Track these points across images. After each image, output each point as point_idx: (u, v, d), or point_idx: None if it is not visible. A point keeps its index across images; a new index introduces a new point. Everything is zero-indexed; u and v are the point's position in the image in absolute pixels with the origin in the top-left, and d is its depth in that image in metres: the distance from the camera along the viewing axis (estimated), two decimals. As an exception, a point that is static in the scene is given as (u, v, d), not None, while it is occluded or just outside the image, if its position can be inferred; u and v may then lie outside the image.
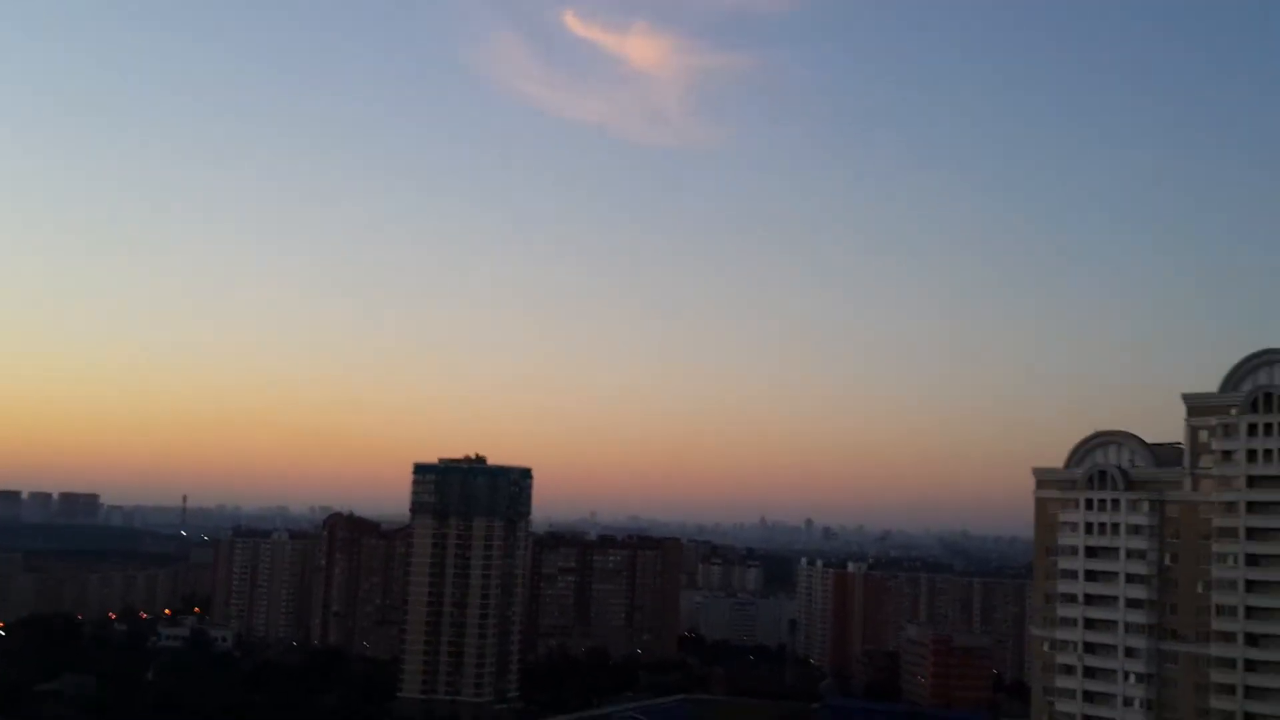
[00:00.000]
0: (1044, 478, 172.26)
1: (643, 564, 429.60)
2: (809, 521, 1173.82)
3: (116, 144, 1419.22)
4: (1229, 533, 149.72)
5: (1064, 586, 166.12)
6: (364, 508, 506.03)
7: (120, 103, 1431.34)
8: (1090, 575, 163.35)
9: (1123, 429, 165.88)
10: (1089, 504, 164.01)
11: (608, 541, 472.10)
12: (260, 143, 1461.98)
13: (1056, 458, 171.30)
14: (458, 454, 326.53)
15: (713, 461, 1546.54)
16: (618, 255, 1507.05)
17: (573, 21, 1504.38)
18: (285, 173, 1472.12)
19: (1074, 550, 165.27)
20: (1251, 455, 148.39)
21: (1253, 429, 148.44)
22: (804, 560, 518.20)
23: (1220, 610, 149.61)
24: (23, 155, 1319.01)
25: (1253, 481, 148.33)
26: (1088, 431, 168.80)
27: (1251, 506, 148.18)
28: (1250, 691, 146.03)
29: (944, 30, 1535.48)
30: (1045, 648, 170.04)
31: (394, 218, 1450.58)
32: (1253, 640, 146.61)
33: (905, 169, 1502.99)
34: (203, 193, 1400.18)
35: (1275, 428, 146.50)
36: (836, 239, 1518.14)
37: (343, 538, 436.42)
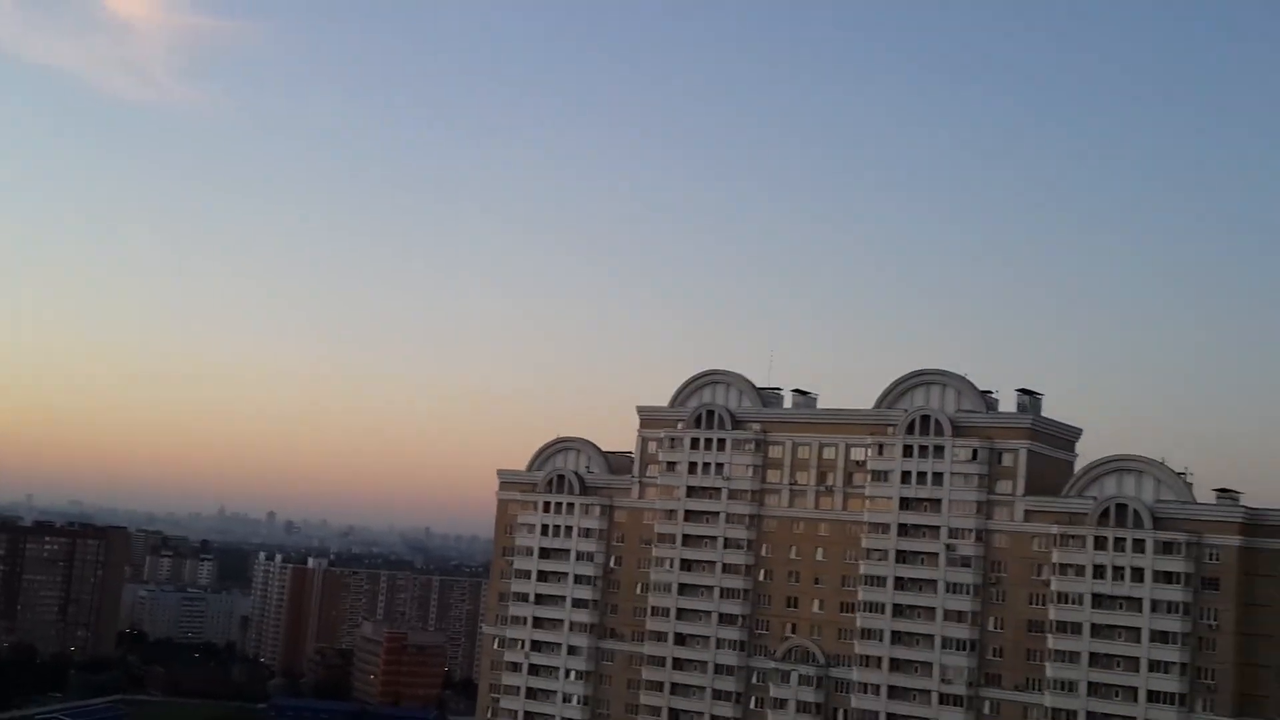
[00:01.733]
0: (507, 479, 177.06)
1: (82, 554, 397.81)
2: (271, 514, 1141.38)
3: None
4: (667, 538, 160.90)
5: (517, 586, 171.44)
6: None
7: None
8: (542, 576, 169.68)
9: (583, 436, 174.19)
10: (546, 507, 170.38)
11: (44, 528, 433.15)
12: None
13: (523, 460, 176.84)
14: None
15: (168, 446, 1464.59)
16: (89, 211, 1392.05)
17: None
18: None
19: (529, 551, 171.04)
20: (692, 467, 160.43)
21: (695, 443, 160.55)
22: (262, 555, 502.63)
23: (655, 611, 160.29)
24: None
25: (691, 491, 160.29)
26: (552, 436, 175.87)
27: (689, 515, 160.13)
28: (676, 688, 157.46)
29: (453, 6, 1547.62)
30: (495, 645, 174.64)
31: None
32: (681, 640, 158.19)
33: (386, 150, 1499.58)
34: None
35: (715, 443, 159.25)
36: (326, 214, 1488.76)
37: None
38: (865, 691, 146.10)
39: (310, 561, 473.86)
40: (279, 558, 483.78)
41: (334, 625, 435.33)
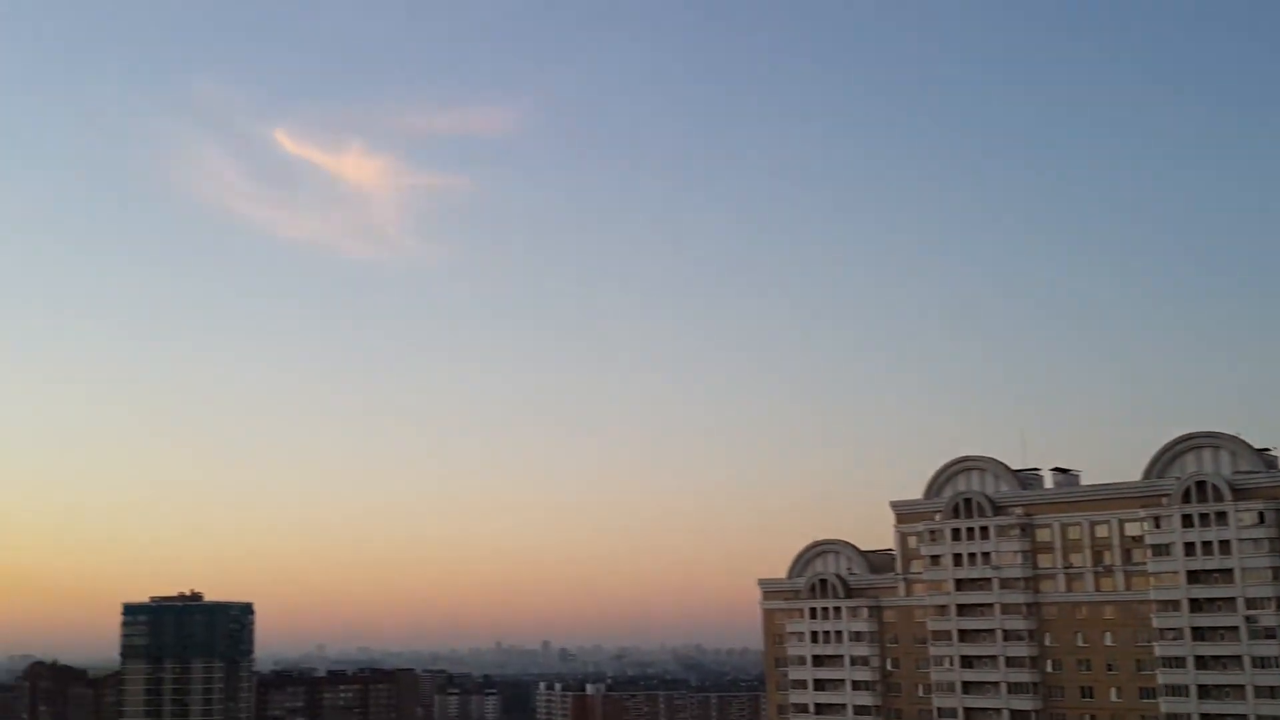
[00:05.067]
0: (769, 588, 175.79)
1: (375, 698, 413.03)
2: (546, 643, 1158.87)
3: None
4: (943, 636, 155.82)
5: (795, 697, 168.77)
6: (71, 654, 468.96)
7: None
8: (819, 684, 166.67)
9: (839, 537, 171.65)
10: (813, 613, 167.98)
11: (338, 677, 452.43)
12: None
13: (777, 568, 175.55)
14: (172, 591, 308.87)
15: (444, 584, 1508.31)
16: (336, 371, 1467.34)
17: (284, 139, 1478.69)
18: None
19: (802, 660, 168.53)
20: (957, 559, 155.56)
21: (956, 534, 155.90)
22: (543, 685, 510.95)
23: (941, 712, 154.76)
24: None
25: (960, 584, 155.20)
26: (807, 541, 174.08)
27: (962, 609, 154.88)
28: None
29: (649, 153, 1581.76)
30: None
31: (100, 349, 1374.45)
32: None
33: (619, 286, 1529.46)
34: None
35: (976, 532, 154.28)
36: (558, 355, 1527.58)
37: (45, 688, 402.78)
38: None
39: (589, 687, 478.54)
40: (559, 686, 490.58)
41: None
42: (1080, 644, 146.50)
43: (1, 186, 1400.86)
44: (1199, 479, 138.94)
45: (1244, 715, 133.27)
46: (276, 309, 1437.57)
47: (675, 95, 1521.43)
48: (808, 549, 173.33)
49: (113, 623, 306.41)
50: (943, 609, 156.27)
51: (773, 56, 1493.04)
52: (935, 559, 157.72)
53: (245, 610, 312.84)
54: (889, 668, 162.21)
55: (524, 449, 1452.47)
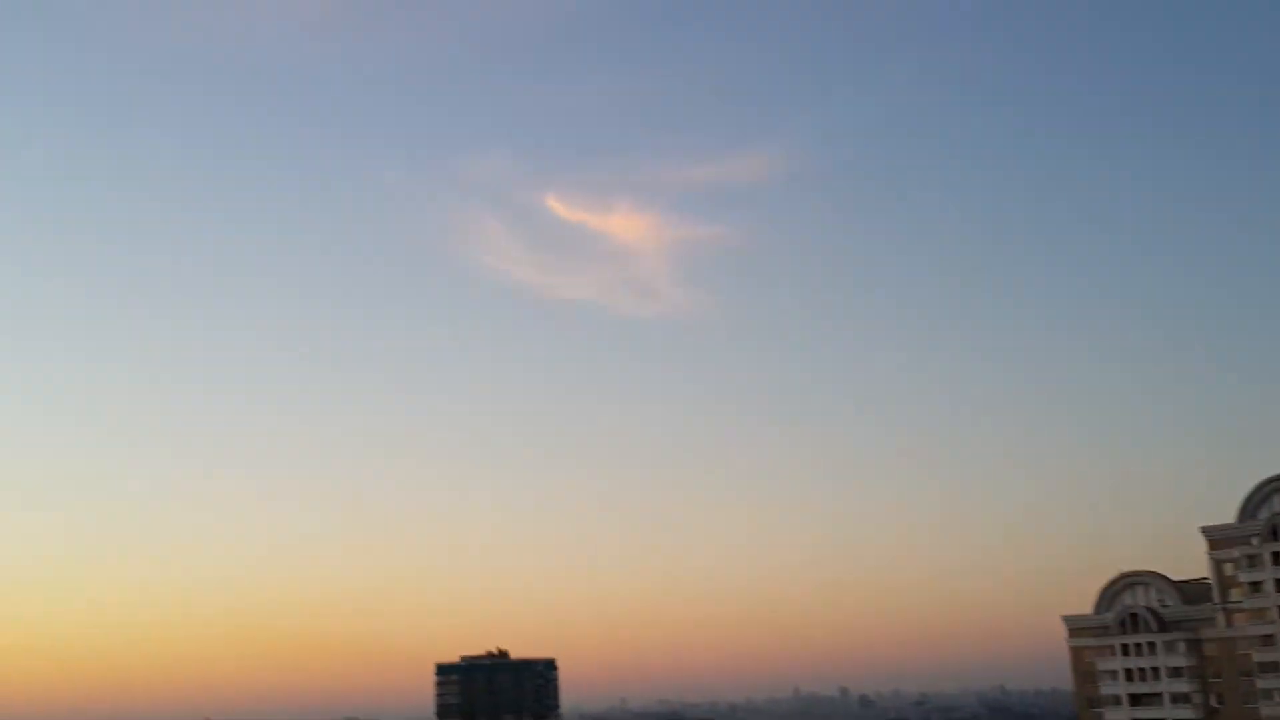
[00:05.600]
0: (1075, 625, 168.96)
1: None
2: (844, 690, 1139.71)
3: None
4: (1272, 668, 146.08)
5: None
6: (388, 715, 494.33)
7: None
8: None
9: (1144, 568, 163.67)
10: (1124, 649, 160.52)
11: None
12: (245, 352, 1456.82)
13: (1081, 602, 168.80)
14: (480, 650, 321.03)
15: (740, 634, 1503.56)
16: (623, 430, 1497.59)
17: (555, 205, 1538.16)
18: (283, 384, 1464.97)
19: (1117, 699, 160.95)
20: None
21: (1277, 557, 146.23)
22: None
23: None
24: None
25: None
26: (1108, 572, 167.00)
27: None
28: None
29: (913, 194, 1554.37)
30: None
31: (396, 421, 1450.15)
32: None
33: (890, 326, 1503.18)
34: (207, 429, 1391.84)
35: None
36: (834, 402, 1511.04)
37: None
38: None
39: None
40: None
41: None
42: None
43: (300, 271, 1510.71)
44: None
45: None
46: (559, 367, 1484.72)
47: (918, 134, 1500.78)
48: (1114, 581, 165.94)
49: (426, 683, 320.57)
50: (1269, 639, 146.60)
51: (1015, 90, 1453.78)
52: (1256, 585, 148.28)
53: (549, 666, 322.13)
54: (1213, 704, 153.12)
55: (811, 497, 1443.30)
